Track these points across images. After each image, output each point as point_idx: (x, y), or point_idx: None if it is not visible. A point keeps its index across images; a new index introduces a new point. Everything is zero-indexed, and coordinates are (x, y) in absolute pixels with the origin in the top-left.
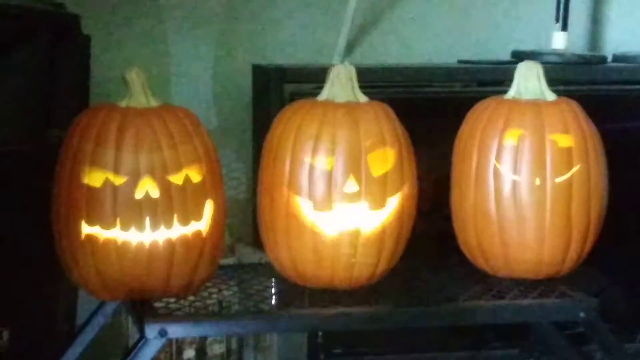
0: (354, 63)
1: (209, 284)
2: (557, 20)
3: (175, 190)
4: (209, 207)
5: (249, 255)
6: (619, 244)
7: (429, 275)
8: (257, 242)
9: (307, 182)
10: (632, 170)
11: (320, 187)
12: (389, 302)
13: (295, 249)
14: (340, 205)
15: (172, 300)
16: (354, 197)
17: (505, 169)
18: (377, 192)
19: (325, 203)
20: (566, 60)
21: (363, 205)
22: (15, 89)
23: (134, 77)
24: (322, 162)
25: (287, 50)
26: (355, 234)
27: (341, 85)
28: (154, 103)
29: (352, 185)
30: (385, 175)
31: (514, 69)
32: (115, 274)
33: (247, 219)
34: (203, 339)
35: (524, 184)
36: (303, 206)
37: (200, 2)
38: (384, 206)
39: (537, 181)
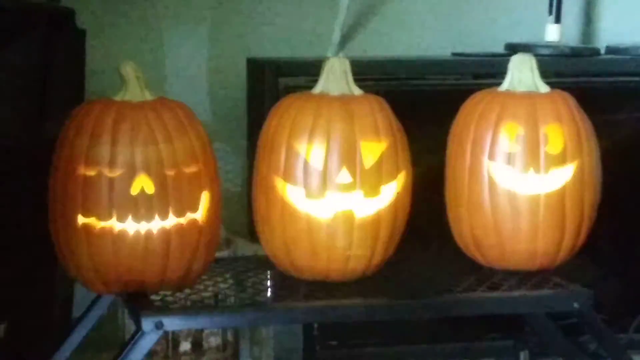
0: (348, 56)
1: (204, 277)
2: (550, 12)
3: (170, 185)
4: (204, 199)
5: (245, 248)
6: (613, 235)
7: (424, 267)
8: (252, 235)
9: (302, 173)
10: (625, 162)
11: (314, 178)
12: (383, 294)
13: (291, 240)
14: (333, 194)
15: (168, 293)
16: (347, 187)
17: (499, 160)
18: (371, 183)
19: (319, 192)
20: (559, 53)
21: (358, 193)
22: (11, 84)
23: (129, 71)
24: (316, 154)
25: (282, 43)
26: (350, 220)
27: (335, 78)
28: (149, 97)
29: (345, 176)
30: (379, 166)
31: (507, 62)
32: (112, 266)
33: (242, 211)
34: (199, 331)
35: (518, 175)
36: (298, 197)
37: None
38: (378, 194)
39: (531, 173)
